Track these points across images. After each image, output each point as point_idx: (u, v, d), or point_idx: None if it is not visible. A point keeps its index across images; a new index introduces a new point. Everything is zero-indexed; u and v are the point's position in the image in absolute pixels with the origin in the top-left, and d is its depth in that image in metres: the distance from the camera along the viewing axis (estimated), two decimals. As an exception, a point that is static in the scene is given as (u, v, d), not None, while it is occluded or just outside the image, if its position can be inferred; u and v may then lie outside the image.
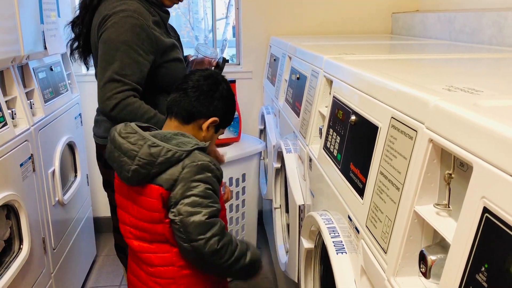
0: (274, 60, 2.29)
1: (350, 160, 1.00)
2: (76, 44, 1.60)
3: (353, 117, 0.99)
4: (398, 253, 0.70)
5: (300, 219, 1.45)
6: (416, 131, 0.70)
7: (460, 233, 0.54)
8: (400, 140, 0.75)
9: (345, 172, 1.01)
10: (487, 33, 1.73)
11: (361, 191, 0.90)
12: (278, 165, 1.88)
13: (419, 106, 0.71)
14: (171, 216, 1.13)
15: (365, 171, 0.89)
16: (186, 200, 1.11)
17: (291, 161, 1.59)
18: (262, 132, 2.51)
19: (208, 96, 1.27)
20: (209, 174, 1.15)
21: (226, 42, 4.79)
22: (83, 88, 2.39)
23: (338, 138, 1.09)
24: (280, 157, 1.84)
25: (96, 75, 1.47)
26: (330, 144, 1.15)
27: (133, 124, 1.20)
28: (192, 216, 1.10)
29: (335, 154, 1.10)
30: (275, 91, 2.14)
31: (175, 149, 1.13)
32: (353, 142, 1.00)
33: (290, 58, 1.90)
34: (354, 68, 1.08)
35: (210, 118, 1.27)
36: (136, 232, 1.21)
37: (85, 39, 1.56)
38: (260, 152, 2.27)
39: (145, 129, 1.24)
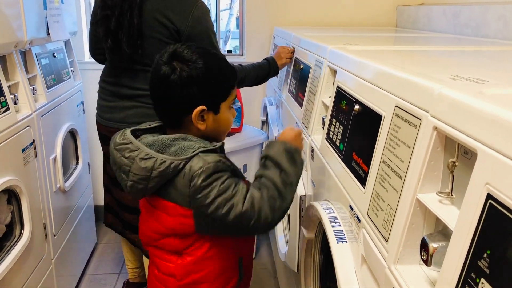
0: (278, 51, 2.28)
1: (352, 150, 0.99)
2: (111, 37, 1.56)
3: (356, 107, 0.99)
4: (400, 241, 0.70)
5: (301, 210, 1.45)
6: (420, 119, 0.70)
7: (463, 219, 0.54)
8: (404, 128, 0.75)
9: (348, 162, 1.01)
10: (492, 27, 1.72)
11: (363, 181, 0.90)
12: (280, 156, 1.88)
13: (424, 94, 0.70)
14: (208, 232, 1.05)
15: (367, 161, 0.89)
16: (213, 207, 0.99)
17: (293, 151, 1.58)
18: (264, 123, 2.50)
19: (174, 88, 1.04)
20: (220, 175, 1.01)
21: (229, 33, 4.76)
22: (86, 75, 2.39)
23: (341, 128, 1.09)
24: (282, 148, 1.83)
25: (143, 55, 1.57)
26: (333, 134, 1.15)
27: (128, 133, 1.06)
28: (229, 214, 0.99)
29: (338, 144, 1.10)
30: (278, 82, 2.13)
31: (170, 160, 0.99)
32: (356, 131, 1.00)
33: (293, 48, 1.89)
34: (358, 58, 1.07)
35: (194, 110, 1.05)
36: (145, 239, 1.16)
37: (136, 28, 1.54)
38: (262, 143, 2.27)
39: (153, 130, 1.12)
